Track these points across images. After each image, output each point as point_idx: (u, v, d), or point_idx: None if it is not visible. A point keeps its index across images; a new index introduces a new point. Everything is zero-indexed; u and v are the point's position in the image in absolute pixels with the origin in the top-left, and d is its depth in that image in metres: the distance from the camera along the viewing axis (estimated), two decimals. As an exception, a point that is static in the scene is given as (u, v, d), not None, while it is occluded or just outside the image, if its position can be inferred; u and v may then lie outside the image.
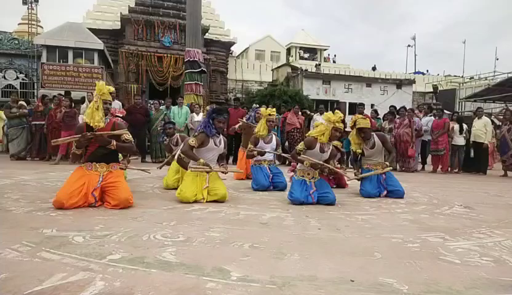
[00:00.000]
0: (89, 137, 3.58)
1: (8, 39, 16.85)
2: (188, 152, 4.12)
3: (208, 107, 9.20)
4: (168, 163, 5.40)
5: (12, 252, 2.14)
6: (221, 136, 4.34)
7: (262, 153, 5.40)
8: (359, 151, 5.00)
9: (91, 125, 3.64)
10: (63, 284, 1.72)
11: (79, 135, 3.58)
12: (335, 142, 5.73)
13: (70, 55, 14.42)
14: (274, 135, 5.66)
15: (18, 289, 1.66)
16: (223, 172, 4.28)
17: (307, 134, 4.51)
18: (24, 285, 1.69)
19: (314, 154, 4.21)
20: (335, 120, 4.16)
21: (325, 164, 4.19)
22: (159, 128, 8.01)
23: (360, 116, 5.14)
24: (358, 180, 4.99)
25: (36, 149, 9.05)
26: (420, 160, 9.68)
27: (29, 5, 19.59)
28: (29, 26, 19.16)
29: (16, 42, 16.89)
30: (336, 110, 4.30)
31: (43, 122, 8.88)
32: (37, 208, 3.43)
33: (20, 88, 16.42)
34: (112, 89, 3.83)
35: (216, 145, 4.23)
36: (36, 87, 15.95)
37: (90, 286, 1.72)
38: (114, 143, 3.67)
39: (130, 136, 3.83)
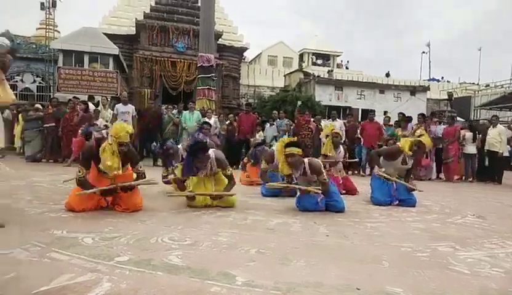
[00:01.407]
0: (115, 189, 3.53)
1: (26, 44, 17.28)
2: (179, 184, 4.28)
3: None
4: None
5: (22, 251, 2.18)
6: (211, 163, 4.05)
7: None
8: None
9: (109, 173, 3.51)
10: (71, 285, 1.75)
11: (106, 188, 3.51)
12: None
13: (86, 59, 14.72)
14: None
15: (27, 288, 1.69)
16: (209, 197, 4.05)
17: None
18: (32, 284, 1.73)
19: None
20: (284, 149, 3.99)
21: (306, 188, 4.02)
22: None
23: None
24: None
25: (48, 151, 9.22)
26: (434, 169, 9.49)
27: (47, 10, 20.08)
28: (47, 30, 19.63)
29: (34, 46, 17.30)
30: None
31: (53, 124, 9.03)
32: (49, 209, 3.50)
33: (37, 92, 16.79)
34: (131, 129, 3.61)
35: (205, 173, 4.12)
36: (52, 91, 16.29)
37: (96, 286, 1.75)
38: (142, 180, 3.72)
39: (142, 167, 3.80)
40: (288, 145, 3.99)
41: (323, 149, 5.68)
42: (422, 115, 9.29)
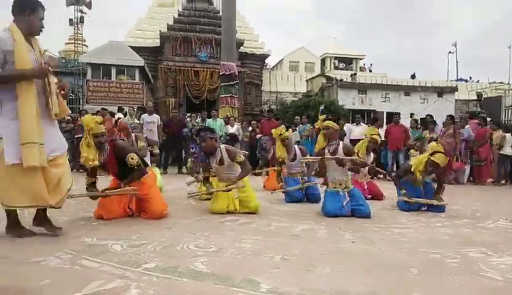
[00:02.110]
0: (104, 196, 3.56)
1: (57, 59, 18.02)
2: (208, 188, 4.32)
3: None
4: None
5: (54, 259, 2.27)
6: (221, 152, 4.18)
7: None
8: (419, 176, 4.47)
9: (86, 166, 3.54)
10: (100, 291, 1.81)
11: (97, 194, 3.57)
12: (375, 137, 5.79)
13: (113, 71, 15.19)
14: (295, 148, 5.49)
15: (59, 294, 1.76)
16: (224, 190, 4.12)
17: None
18: (64, 291, 1.79)
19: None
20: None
21: (340, 157, 4.18)
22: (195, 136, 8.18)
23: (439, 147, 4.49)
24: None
25: (77, 161, 9.52)
26: (467, 171, 9.06)
27: (75, 26, 20.88)
28: (75, 45, 20.39)
29: (64, 60, 18.01)
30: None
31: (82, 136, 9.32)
32: (80, 217, 3.62)
33: (68, 104, 17.41)
34: (99, 119, 3.63)
35: (219, 164, 4.21)
36: (81, 103, 16.89)
37: (125, 293, 1.79)
38: (128, 188, 3.63)
39: (135, 160, 3.60)
40: (326, 119, 4.57)
41: (356, 147, 5.65)
42: (450, 116, 9.00)
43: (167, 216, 3.73)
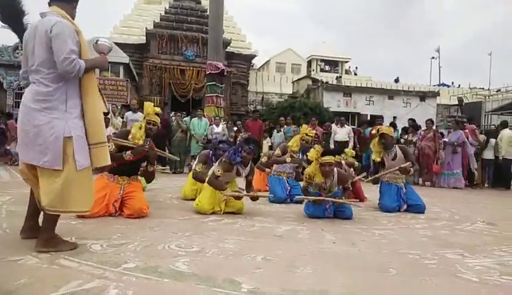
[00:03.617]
0: (145, 149, 3.79)
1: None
2: (214, 182, 4.07)
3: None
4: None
5: (32, 258, 2.22)
6: (248, 166, 4.22)
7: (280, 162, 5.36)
8: (378, 160, 4.88)
9: (132, 140, 3.76)
10: (78, 291, 1.78)
11: (135, 146, 3.73)
12: (351, 160, 5.75)
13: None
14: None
15: (36, 294, 1.72)
16: (252, 198, 4.15)
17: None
18: (41, 291, 1.76)
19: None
20: (319, 158, 4.05)
21: (327, 199, 4.04)
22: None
23: (385, 126, 5.09)
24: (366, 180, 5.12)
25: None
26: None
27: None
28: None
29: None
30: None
31: None
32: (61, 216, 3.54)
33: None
34: (159, 110, 3.98)
35: (239, 174, 4.23)
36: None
37: (103, 293, 1.77)
38: (154, 166, 4.00)
39: (152, 168, 4.01)
40: (324, 154, 4.05)
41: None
42: (430, 120, 9.18)
43: (149, 216, 3.69)
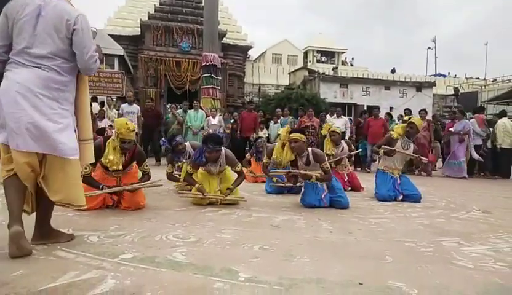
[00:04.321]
0: (114, 191, 3.56)
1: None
2: (188, 179, 4.16)
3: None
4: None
5: (29, 250, 2.21)
6: (221, 161, 4.14)
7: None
8: (397, 135, 4.89)
9: (109, 168, 3.60)
10: (76, 282, 1.78)
11: (112, 190, 3.53)
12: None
13: (91, 60, 14.79)
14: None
15: (33, 285, 1.72)
16: (217, 200, 4.05)
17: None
18: (38, 282, 1.76)
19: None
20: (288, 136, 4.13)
21: (307, 173, 4.07)
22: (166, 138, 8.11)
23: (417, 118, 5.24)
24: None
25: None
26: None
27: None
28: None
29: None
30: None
31: None
32: (56, 208, 3.52)
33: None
34: (133, 126, 3.62)
35: (213, 168, 4.18)
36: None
37: (101, 284, 1.77)
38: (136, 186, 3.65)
39: (148, 168, 3.89)
40: (292, 131, 4.19)
41: (325, 148, 5.66)
42: (424, 110, 9.20)
43: (146, 207, 3.69)
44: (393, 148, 4.79)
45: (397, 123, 9.77)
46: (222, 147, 4.14)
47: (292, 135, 4.10)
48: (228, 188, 4.08)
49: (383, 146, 4.84)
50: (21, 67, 2.14)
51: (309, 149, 4.22)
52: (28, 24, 2.14)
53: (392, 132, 5.02)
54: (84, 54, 2.23)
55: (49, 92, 2.16)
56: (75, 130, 2.29)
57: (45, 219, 2.38)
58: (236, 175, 4.26)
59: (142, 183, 3.70)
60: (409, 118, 4.99)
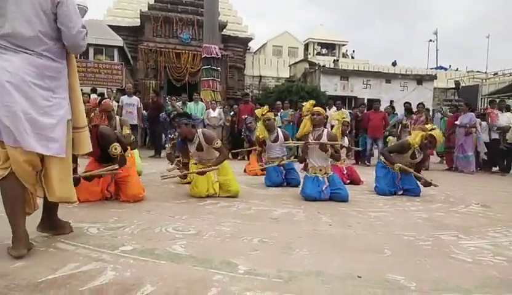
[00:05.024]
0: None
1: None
2: (167, 156, 4.46)
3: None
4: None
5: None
6: (198, 138, 4.13)
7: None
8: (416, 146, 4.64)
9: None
10: (76, 274, 1.79)
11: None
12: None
13: (91, 51, 14.72)
14: (278, 130, 5.58)
15: (33, 277, 1.73)
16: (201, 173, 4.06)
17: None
18: (38, 273, 1.76)
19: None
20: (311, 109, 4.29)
21: (327, 142, 4.21)
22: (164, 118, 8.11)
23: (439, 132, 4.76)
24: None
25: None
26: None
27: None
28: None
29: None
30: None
31: None
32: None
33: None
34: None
35: (197, 150, 4.17)
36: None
37: (101, 275, 1.78)
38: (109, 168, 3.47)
39: (118, 150, 3.46)
40: (316, 105, 4.39)
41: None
42: (422, 104, 9.15)
43: (146, 199, 3.70)
44: (409, 169, 4.60)
45: (396, 116, 9.74)
46: (194, 125, 4.21)
47: (315, 108, 4.30)
48: (209, 165, 4.12)
49: (400, 166, 4.62)
50: (9, 53, 1.91)
51: (325, 129, 4.43)
52: (9, 2, 1.91)
53: (409, 138, 4.74)
54: (70, 29, 2.01)
55: (43, 81, 1.97)
56: (70, 120, 2.12)
57: (53, 209, 2.33)
58: (236, 177, 4.38)
59: (100, 171, 3.49)
60: (431, 129, 4.64)
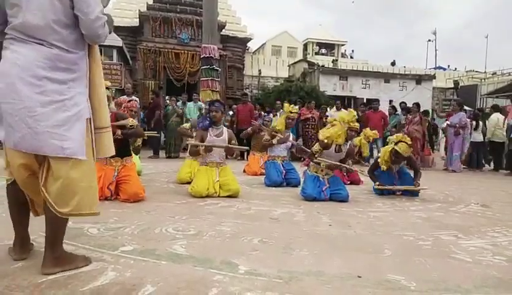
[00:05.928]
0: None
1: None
2: (192, 149, 4.40)
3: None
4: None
5: (29, 242, 2.21)
6: (223, 128, 4.39)
7: (282, 142, 5.50)
8: (384, 168, 4.61)
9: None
10: (76, 274, 1.79)
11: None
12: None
13: (90, 51, 14.69)
14: (290, 133, 5.74)
15: (33, 277, 1.73)
16: (224, 148, 4.23)
17: (321, 133, 4.31)
18: (38, 274, 1.76)
19: (330, 154, 4.20)
20: (349, 120, 4.14)
21: (341, 164, 4.22)
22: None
23: (405, 138, 4.59)
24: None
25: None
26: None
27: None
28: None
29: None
30: (350, 109, 4.27)
31: None
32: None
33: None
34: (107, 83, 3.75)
35: (216, 136, 4.26)
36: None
37: (101, 275, 1.78)
38: (119, 132, 3.67)
39: (135, 121, 3.94)
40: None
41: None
42: (416, 104, 9.13)
43: (146, 200, 3.70)
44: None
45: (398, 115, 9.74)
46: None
47: (355, 125, 4.23)
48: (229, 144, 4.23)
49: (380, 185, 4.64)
50: (18, 44, 1.74)
51: (349, 142, 4.38)
52: None
53: (379, 160, 4.67)
54: (87, 14, 1.79)
55: (57, 74, 1.76)
56: (89, 118, 1.87)
57: (56, 239, 1.88)
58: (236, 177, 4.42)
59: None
60: (397, 142, 4.50)
